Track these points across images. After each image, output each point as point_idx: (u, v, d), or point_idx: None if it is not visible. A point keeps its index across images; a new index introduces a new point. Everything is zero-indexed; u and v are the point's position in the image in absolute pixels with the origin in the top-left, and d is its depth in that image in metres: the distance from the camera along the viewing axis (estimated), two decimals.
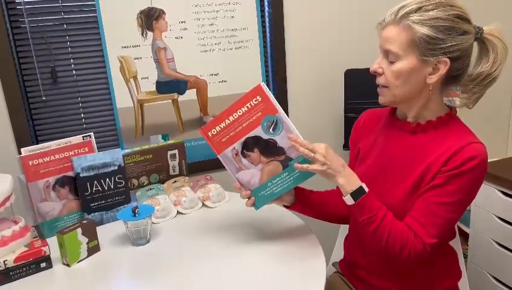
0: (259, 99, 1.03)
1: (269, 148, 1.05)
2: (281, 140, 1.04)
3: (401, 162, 1.02)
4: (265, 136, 1.05)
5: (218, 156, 1.08)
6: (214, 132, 1.07)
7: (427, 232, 0.94)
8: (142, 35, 1.58)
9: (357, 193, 0.97)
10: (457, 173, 0.92)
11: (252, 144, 1.06)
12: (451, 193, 0.93)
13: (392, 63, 0.95)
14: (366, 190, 0.98)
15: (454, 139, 0.95)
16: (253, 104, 1.04)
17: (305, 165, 0.99)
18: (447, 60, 0.92)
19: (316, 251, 1.08)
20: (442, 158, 0.94)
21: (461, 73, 0.97)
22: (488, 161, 0.87)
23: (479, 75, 0.97)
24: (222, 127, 1.06)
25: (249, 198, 1.09)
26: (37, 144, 1.44)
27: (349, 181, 0.98)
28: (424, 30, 0.90)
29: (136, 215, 1.17)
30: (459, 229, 2.16)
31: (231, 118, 1.05)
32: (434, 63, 0.93)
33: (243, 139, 1.05)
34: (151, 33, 1.59)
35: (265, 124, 1.04)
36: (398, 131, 1.05)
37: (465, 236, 1.95)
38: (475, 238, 1.85)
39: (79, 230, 1.12)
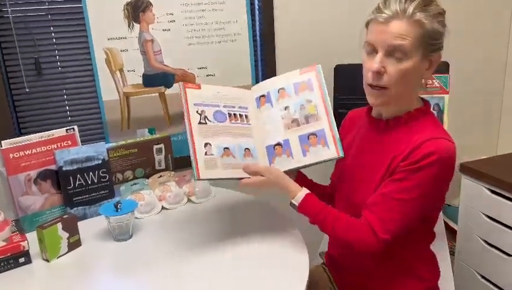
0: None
1: None
2: None
3: (370, 160, 1.01)
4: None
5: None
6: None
7: (384, 226, 0.92)
8: (129, 27, 1.56)
9: (293, 205, 1.03)
10: (415, 168, 0.89)
11: None
12: (410, 189, 0.91)
13: (399, 60, 0.90)
14: (296, 203, 1.01)
15: (419, 135, 0.92)
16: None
17: (251, 180, 1.03)
18: (440, 53, 0.93)
19: (300, 250, 1.07)
20: (403, 153, 0.92)
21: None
22: (477, 158, 0.87)
23: None
24: None
25: None
26: (21, 136, 1.41)
27: (288, 192, 1.03)
28: (435, 25, 0.90)
29: (119, 210, 1.15)
30: (447, 225, 2.16)
31: None
32: (430, 58, 0.93)
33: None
34: (138, 25, 1.57)
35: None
36: (370, 129, 1.04)
37: (453, 233, 1.95)
38: (462, 235, 1.85)
39: (59, 225, 1.10)
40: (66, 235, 1.11)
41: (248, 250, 1.08)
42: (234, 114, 1.11)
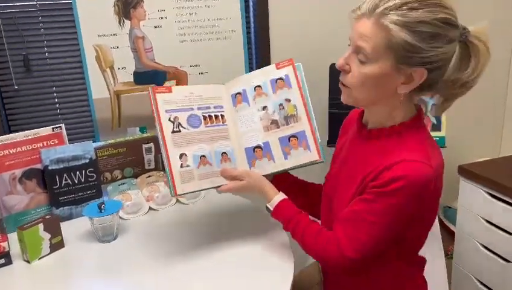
0: None
1: None
2: None
3: (350, 170, 0.96)
4: None
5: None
6: None
7: (351, 245, 0.86)
8: (119, 23, 1.52)
9: (268, 209, 1.01)
10: (381, 192, 0.82)
11: None
12: (378, 212, 0.84)
13: (362, 63, 0.83)
14: (271, 208, 0.99)
15: (394, 153, 0.84)
16: None
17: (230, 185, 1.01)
18: (424, 70, 0.81)
19: (286, 255, 1.04)
20: (375, 171, 0.85)
21: (437, 82, 0.85)
22: (477, 160, 0.81)
23: (455, 81, 0.84)
24: None
25: None
26: (10, 134, 1.40)
27: (264, 196, 1.01)
28: (403, 35, 0.77)
29: (102, 211, 1.13)
30: (446, 228, 2.12)
31: None
32: (409, 72, 0.82)
33: None
34: (129, 22, 1.53)
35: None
36: (357, 136, 0.98)
37: (452, 235, 1.91)
38: (460, 239, 1.81)
39: (41, 226, 1.08)
40: (48, 236, 1.09)
41: (236, 252, 1.06)
42: (209, 116, 1.06)
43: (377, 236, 0.86)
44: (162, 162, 1.43)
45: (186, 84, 1.65)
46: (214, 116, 1.06)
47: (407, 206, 0.83)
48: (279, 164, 1.04)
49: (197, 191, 1.00)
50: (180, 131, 1.00)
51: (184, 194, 0.99)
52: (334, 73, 1.65)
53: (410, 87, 0.84)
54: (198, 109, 1.05)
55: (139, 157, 1.45)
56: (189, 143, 1.01)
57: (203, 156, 1.01)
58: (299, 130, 1.04)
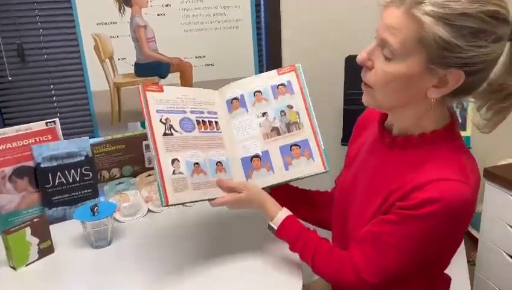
0: None
1: None
2: None
3: (370, 180, 0.84)
4: None
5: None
6: None
7: (370, 269, 0.76)
8: (120, 11, 1.46)
9: (271, 228, 0.91)
10: (412, 215, 0.71)
11: None
12: (404, 235, 0.73)
13: (387, 59, 0.71)
14: (275, 227, 0.89)
15: (426, 169, 0.72)
16: None
17: (226, 198, 0.92)
18: (462, 73, 0.68)
19: (294, 268, 0.95)
20: (403, 189, 0.73)
21: (477, 86, 0.73)
22: (504, 162, 0.70)
23: (505, 87, 0.71)
24: None
25: None
26: (4, 128, 1.33)
27: (265, 212, 0.91)
28: (438, 30, 0.65)
29: (96, 214, 1.05)
30: (468, 233, 1.99)
31: None
32: (443, 74, 0.69)
33: None
34: (130, 9, 1.47)
35: None
36: (379, 142, 0.86)
37: (475, 242, 1.79)
38: (484, 247, 1.69)
39: (28, 230, 1.01)
40: (36, 240, 1.02)
41: (239, 259, 0.99)
42: (203, 121, 0.97)
43: (400, 261, 0.75)
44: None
45: (191, 78, 1.61)
46: (208, 122, 0.98)
47: (440, 230, 0.72)
48: (279, 175, 0.96)
49: (189, 202, 0.91)
50: (172, 134, 0.92)
51: (176, 204, 0.89)
52: (351, 66, 1.56)
53: (442, 91, 0.71)
54: (192, 112, 0.96)
55: (138, 155, 1.37)
56: (182, 148, 0.91)
57: (197, 163, 0.92)
58: (301, 138, 0.97)
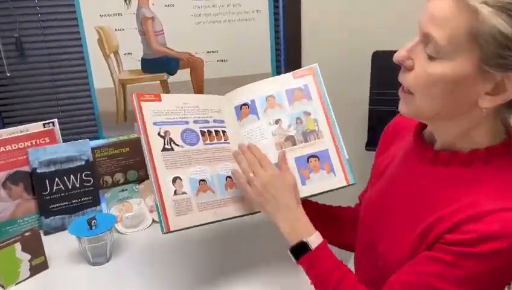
0: None
1: None
2: None
3: (407, 200, 0.72)
4: None
5: None
6: None
7: None
8: (125, 1, 1.38)
9: (298, 249, 0.76)
10: (469, 252, 0.59)
11: None
12: (459, 280, 0.59)
13: (431, 58, 0.61)
14: (313, 246, 0.75)
15: (482, 193, 0.60)
16: None
17: (243, 178, 0.82)
18: None
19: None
20: (453, 219, 0.61)
21: None
22: None
23: None
24: None
25: None
26: (3, 128, 1.27)
27: (293, 229, 0.77)
28: (497, 22, 0.54)
29: (93, 227, 0.97)
30: None
31: None
32: (499, 79, 0.58)
33: None
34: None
35: None
36: (415, 154, 0.74)
37: None
38: None
39: (17, 245, 0.93)
40: (27, 256, 0.95)
41: (252, 277, 0.92)
42: (209, 131, 0.88)
43: None
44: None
45: (202, 74, 1.52)
46: (214, 132, 0.88)
47: (503, 272, 0.59)
48: None
49: (195, 226, 0.81)
50: (172, 149, 0.82)
51: (179, 230, 0.79)
52: (378, 62, 1.46)
53: (497, 100, 0.59)
54: (195, 122, 0.87)
55: (144, 159, 1.27)
56: (184, 164, 0.82)
57: (203, 180, 0.83)
58: (320, 149, 0.88)
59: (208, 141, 0.86)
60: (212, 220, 0.81)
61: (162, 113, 0.84)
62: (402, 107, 0.68)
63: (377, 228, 0.77)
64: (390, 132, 0.89)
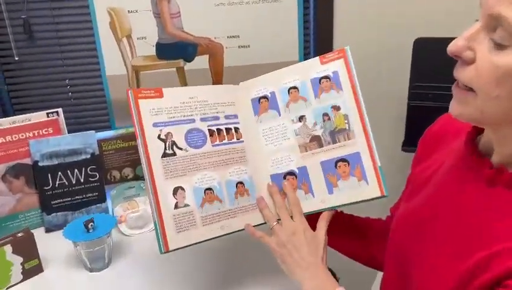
0: None
1: None
2: None
3: (455, 223, 0.59)
4: None
5: None
6: None
7: None
8: None
9: None
10: None
11: None
12: None
13: (499, 47, 0.49)
14: None
15: None
16: None
17: (258, 233, 0.74)
18: None
19: None
20: (509, 264, 0.49)
21: None
22: None
23: None
24: None
25: None
26: (14, 114, 1.25)
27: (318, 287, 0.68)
28: None
29: (90, 231, 0.90)
30: None
31: None
32: None
33: None
34: None
35: None
36: (468, 168, 0.61)
37: None
38: None
39: (8, 247, 0.87)
40: (19, 259, 0.89)
41: (258, 287, 0.86)
42: (218, 130, 0.77)
43: None
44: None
45: (222, 61, 1.41)
46: (224, 130, 0.78)
47: None
48: (320, 200, 0.76)
49: (199, 242, 0.71)
50: (174, 154, 0.72)
51: (179, 249, 0.70)
52: (420, 52, 1.30)
53: None
54: (202, 120, 0.77)
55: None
56: (188, 171, 0.72)
57: (209, 189, 0.73)
58: (351, 152, 0.75)
59: (217, 142, 0.76)
60: (217, 235, 0.72)
61: (164, 111, 0.73)
62: (455, 108, 0.55)
63: (411, 252, 0.65)
64: (432, 137, 0.76)
